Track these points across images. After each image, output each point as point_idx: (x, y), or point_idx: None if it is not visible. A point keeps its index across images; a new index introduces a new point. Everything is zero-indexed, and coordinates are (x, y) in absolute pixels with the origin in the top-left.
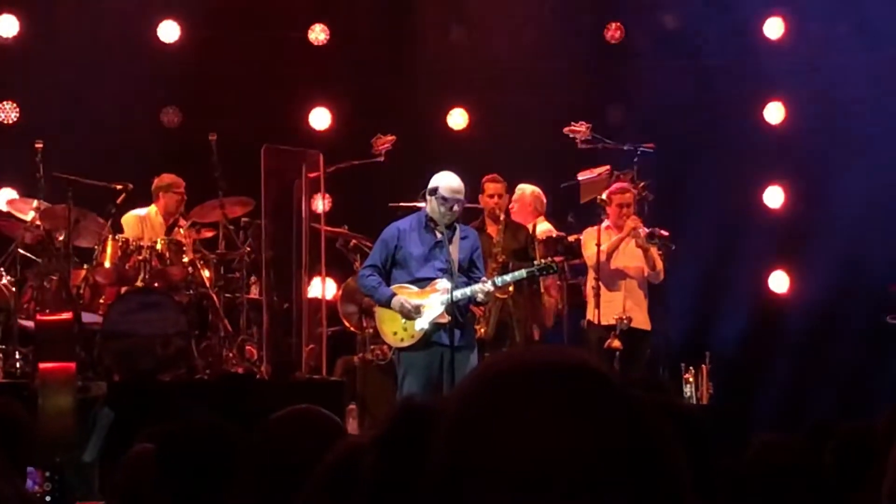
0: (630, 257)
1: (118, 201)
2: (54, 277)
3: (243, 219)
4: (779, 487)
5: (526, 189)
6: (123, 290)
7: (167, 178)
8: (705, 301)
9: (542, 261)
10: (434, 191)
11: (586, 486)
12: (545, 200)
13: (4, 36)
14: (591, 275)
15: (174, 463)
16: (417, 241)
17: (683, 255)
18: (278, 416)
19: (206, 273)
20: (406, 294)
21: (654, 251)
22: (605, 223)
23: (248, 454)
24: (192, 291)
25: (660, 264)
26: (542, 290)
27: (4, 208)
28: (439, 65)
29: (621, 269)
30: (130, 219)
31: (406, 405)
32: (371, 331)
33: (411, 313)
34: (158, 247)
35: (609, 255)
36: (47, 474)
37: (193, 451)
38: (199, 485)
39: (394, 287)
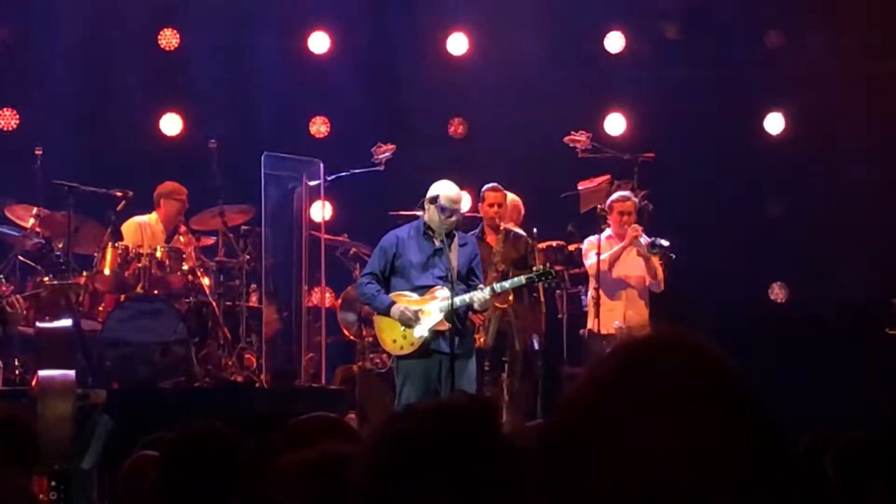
0: (632, 266)
1: (118, 208)
2: (54, 284)
3: (243, 226)
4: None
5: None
6: (123, 297)
7: (169, 184)
8: (704, 310)
9: (541, 267)
10: (433, 199)
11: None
12: (522, 210)
13: (4, 42)
14: (592, 284)
15: (177, 469)
16: (416, 249)
17: (683, 265)
18: (297, 421)
19: (205, 281)
20: (405, 301)
21: (655, 260)
22: (607, 232)
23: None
24: (191, 299)
25: (661, 273)
26: (542, 300)
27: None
28: (439, 73)
29: (623, 277)
30: (131, 226)
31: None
32: (370, 339)
33: (410, 321)
34: (158, 254)
35: (611, 264)
36: (53, 483)
37: (196, 457)
38: (201, 491)
39: (393, 295)
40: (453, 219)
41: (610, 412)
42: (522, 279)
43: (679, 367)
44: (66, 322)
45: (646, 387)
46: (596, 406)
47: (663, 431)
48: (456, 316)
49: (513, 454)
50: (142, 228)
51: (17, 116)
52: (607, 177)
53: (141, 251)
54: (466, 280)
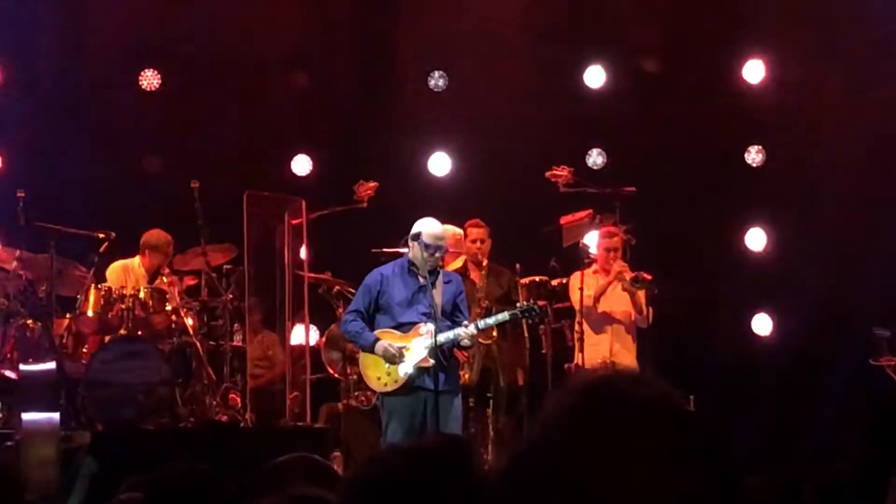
0: (617, 301)
1: (101, 250)
2: (36, 327)
3: (226, 266)
4: None
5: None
6: (107, 338)
7: (155, 235)
8: (688, 344)
9: (525, 303)
10: (417, 236)
11: None
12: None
13: None
14: (577, 318)
15: None
16: (401, 286)
17: (665, 299)
18: (277, 462)
19: (189, 321)
20: (389, 338)
21: (641, 295)
22: (594, 267)
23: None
24: (175, 339)
25: (647, 309)
26: (525, 335)
27: None
28: (420, 110)
29: (609, 312)
30: (115, 269)
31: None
32: (355, 377)
33: (395, 357)
34: (141, 295)
35: (596, 299)
36: None
37: (180, 499)
38: None
39: (377, 332)
40: (437, 255)
41: (563, 447)
42: (506, 315)
43: (620, 407)
44: (50, 364)
45: (597, 424)
46: (547, 454)
47: (613, 468)
48: (441, 352)
49: (487, 491)
50: (125, 271)
51: (0, 159)
52: (589, 211)
53: (124, 292)
54: (451, 317)
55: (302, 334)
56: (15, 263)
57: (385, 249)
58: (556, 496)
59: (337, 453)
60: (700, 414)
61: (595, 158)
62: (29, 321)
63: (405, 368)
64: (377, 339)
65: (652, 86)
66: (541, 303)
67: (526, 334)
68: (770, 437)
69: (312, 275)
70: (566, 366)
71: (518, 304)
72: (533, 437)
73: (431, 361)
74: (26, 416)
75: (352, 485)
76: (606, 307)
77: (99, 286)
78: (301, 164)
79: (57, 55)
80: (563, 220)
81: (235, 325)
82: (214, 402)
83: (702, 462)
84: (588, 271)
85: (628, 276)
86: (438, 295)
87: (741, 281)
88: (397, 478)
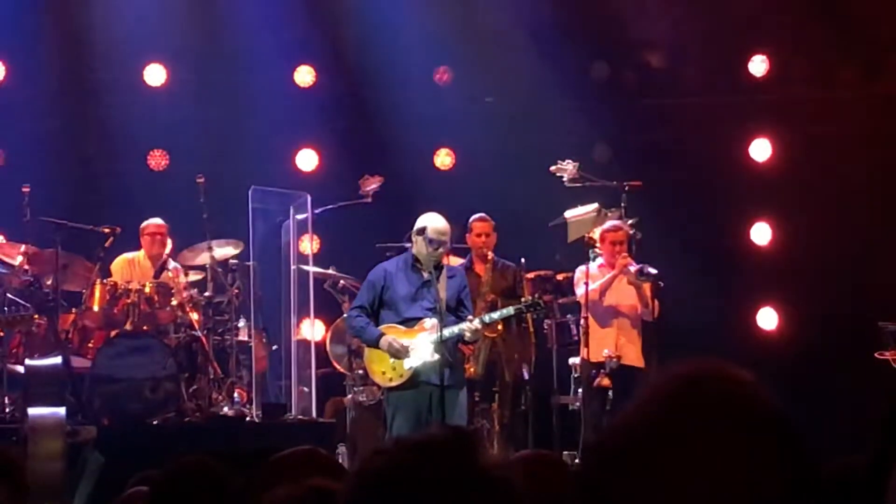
0: (623, 295)
1: (106, 245)
2: (42, 322)
3: (231, 261)
4: None
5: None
6: (112, 333)
7: (147, 222)
8: (693, 338)
9: (530, 298)
10: (421, 231)
11: None
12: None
13: None
14: (583, 313)
15: None
16: (405, 281)
17: (671, 293)
18: (282, 455)
19: (194, 316)
20: (394, 333)
21: (646, 288)
22: (600, 261)
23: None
24: (180, 334)
25: (652, 302)
26: (531, 330)
27: None
28: (426, 105)
29: (614, 306)
30: (120, 262)
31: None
32: (360, 372)
33: (400, 353)
34: (147, 290)
35: (601, 293)
36: None
37: (186, 493)
38: None
39: (382, 327)
40: (441, 250)
41: (649, 442)
42: (511, 310)
43: (717, 400)
44: (56, 359)
45: (683, 419)
46: (636, 434)
47: (699, 463)
48: (445, 347)
49: (494, 485)
50: (131, 265)
51: (4, 154)
52: (595, 206)
53: (129, 287)
54: (455, 311)
55: (307, 329)
56: (20, 258)
57: (390, 244)
58: (640, 478)
59: (342, 448)
60: (790, 415)
61: (600, 152)
62: (35, 316)
63: (410, 363)
64: (382, 335)
65: (657, 80)
66: (546, 297)
67: (531, 329)
68: None
69: (318, 269)
70: (571, 360)
71: (523, 299)
72: (626, 416)
73: (436, 356)
74: (32, 411)
75: (357, 477)
76: (612, 301)
77: (104, 281)
78: (306, 159)
79: (61, 50)
80: (568, 213)
81: (241, 319)
82: (220, 397)
83: (789, 461)
84: (593, 265)
85: (633, 269)
86: (442, 290)
87: (746, 275)
88: (403, 470)
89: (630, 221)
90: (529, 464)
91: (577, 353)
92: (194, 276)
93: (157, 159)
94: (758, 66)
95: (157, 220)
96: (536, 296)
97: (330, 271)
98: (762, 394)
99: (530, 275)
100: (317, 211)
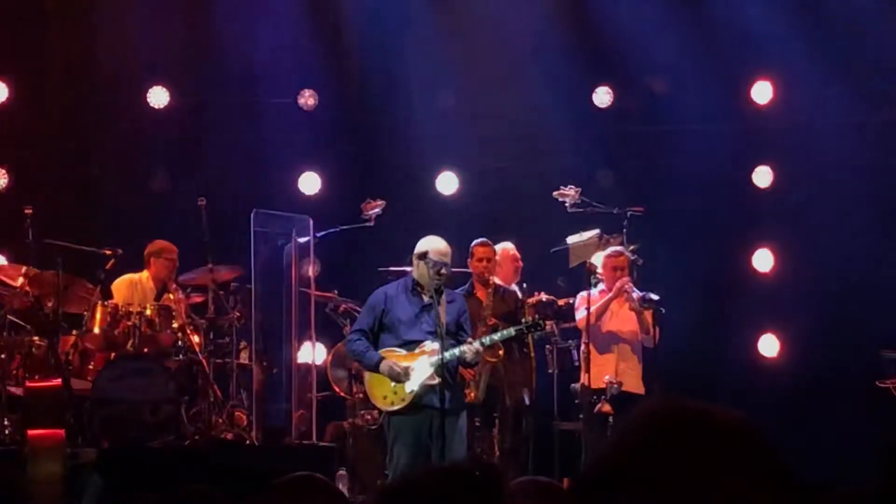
0: (624, 321)
1: (107, 267)
2: (43, 344)
3: (233, 283)
4: None
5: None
6: (113, 356)
7: (159, 244)
8: (694, 364)
9: (530, 319)
10: (423, 255)
11: None
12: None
13: None
14: (584, 338)
15: None
16: (405, 304)
17: (672, 319)
18: (280, 482)
19: (195, 338)
20: (394, 357)
21: (647, 315)
22: (601, 287)
23: None
24: (181, 357)
25: (654, 328)
26: (532, 354)
27: None
28: (428, 129)
29: (614, 331)
30: (123, 282)
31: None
32: (361, 396)
33: (400, 376)
34: (148, 312)
35: (599, 317)
36: None
37: None
38: None
39: (382, 351)
40: (443, 273)
41: (637, 473)
42: (512, 331)
43: (708, 435)
44: (56, 381)
45: (673, 451)
46: (625, 464)
47: (690, 495)
48: (446, 370)
49: None
50: (133, 285)
51: (7, 176)
52: (597, 231)
53: (130, 309)
54: (455, 335)
55: (308, 353)
56: (22, 280)
57: (392, 268)
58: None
59: (342, 472)
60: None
61: (603, 178)
62: (35, 338)
63: (411, 386)
64: (382, 359)
65: (660, 105)
66: (547, 322)
67: (532, 354)
68: None
69: (319, 293)
70: (572, 386)
71: (523, 320)
72: (616, 441)
73: (437, 379)
74: (33, 433)
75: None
76: (612, 327)
77: (105, 303)
78: (309, 183)
79: (64, 72)
80: (570, 239)
81: (242, 342)
82: (220, 420)
83: (778, 481)
84: (595, 291)
85: (636, 295)
86: (443, 313)
87: (748, 301)
88: (430, 497)
89: (632, 247)
90: (528, 491)
91: (578, 379)
92: (195, 299)
93: (159, 181)
94: (761, 92)
95: (171, 244)
96: (537, 317)
97: (331, 295)
98: (749, 422)
99: (532, 300)
100: (319, 234)
